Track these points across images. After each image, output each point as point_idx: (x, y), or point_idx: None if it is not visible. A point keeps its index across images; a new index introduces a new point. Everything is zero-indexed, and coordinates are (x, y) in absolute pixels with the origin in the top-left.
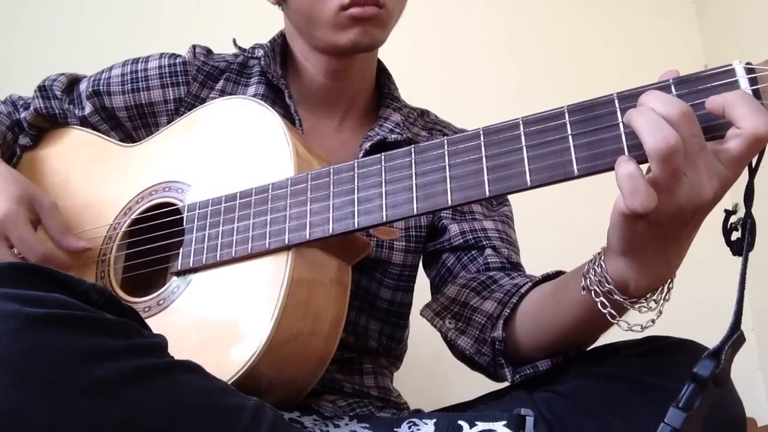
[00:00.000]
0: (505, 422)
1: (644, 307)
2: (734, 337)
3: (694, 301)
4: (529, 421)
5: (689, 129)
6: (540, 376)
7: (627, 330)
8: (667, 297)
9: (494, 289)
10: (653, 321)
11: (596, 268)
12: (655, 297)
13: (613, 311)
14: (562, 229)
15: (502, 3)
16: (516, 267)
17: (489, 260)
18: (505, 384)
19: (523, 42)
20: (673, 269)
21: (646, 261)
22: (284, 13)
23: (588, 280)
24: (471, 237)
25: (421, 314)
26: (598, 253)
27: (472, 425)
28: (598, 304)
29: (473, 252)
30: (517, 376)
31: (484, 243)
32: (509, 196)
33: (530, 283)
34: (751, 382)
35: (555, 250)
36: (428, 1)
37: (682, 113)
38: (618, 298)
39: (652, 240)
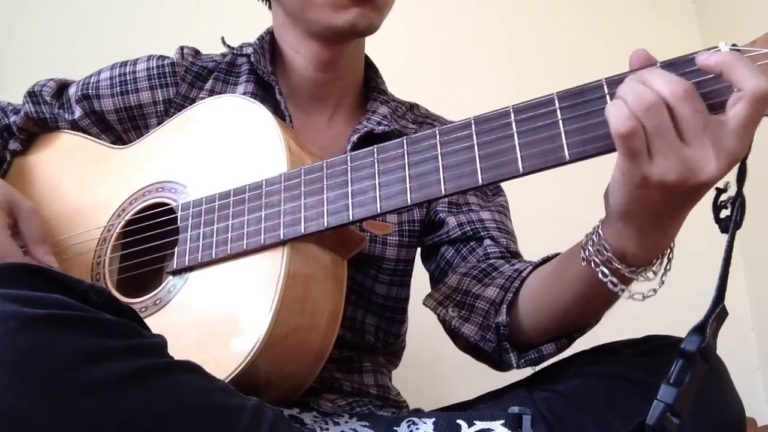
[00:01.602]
0: (502, 421)
1: (642, 276)
2: (717, 311)
3: (694, 301)
4: (526, 420)
5: (693, 106)
6: (540, 376)
7: (628, 298)
8: (668, 267)
9: (495, 276)
10: (655, 291)
11: (594, 237)
12: (654, 267)
13: (614, 279)
14: (560, 227)
15: (500, 2)
16: (515, 255)
17: (489, 250)
18: (505, 384)
19: (521, 41)
20: (671, 239)
21: (642, 229)
22: (273, 4)
23: (587, 251)
24: (469, 228)
25: (423, 303)
26: (597, 224)
27: (470, 424)
28: (599, 273)
29: (472, 243)
30: (522, 360)
31: (482, 234)
32: (504, 187)
33: (531, 267)
34: (751, 382)
35: (553, 249)
36: None
37: (685, 90)
38: (616, 266)
39: (651, 206)
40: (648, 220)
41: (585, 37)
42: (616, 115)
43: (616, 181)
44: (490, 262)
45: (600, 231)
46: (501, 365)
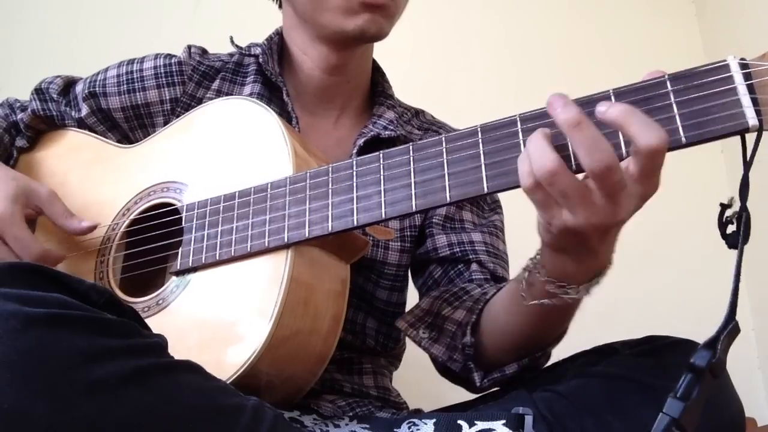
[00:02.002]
0: (504, 421)
1: (580, 292)
2: (729, 328)
3: (694, 302)
4: (528, 420)
5: (612, 179)
6: (540, 376)
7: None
8: (597, 281)
9: (465, 299)
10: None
11: (533, 261)
12: (592, 283)
13: (531, 293)
14: None
15: (501, 2)
16: (500, 281)
17: (473, 276)
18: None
19: (522, 42)
20: (605, 259)
21: (573, 258)
22: (284, 4)
23: (526, 273)
24: (458, 250)
25: (396, 325)
26: (537, 250)
27: (471, 425)
28: (523, 282)
29: (460, 266)
30: (486, 380)
31: (471, 257)
32: (502, 203)
33: (496, 290)
34: (751, 382)
35: None
36: (428, 0)
37: (605, 166)
38: (554, 290)
39: (574, 242)
40: (576, 250)
41: (585, 37)
42: (522, 170)
43: (538, 223)
44: (463, 285)
45: (538, 256)
46: (468, 384)
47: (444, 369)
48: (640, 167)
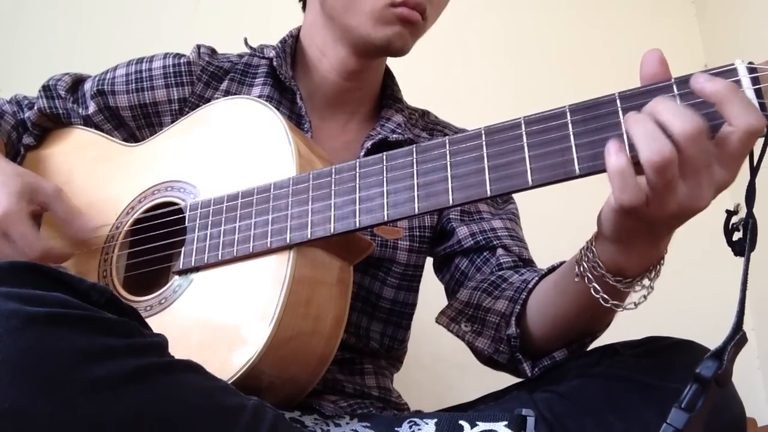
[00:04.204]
0: (506, 422)
1: (638, 285)
2: (737, 338)
3: (694, 302)
4: (530, 422)
5: (701, 146)
6: (540, 377)
7: (621, 311)
8: (659, 272)
9: (505, 287)
10: (645, 297)
11: (588, 254)
12: (649, 275)
13: (606, 296)
14: (562, 228)
15: (501, 3)
16: (528, 263)
17: (501, 260)
18: (505, 384)
19: (522, 42)
20: (663, 250)
21: (636, 248)
22: (310, 1)
23: (581, 267)
24: (481, 238)
25: (436, 321)
26: (590, 240)
27: (473, 425)
28: (591, 289)
29: (485, 253)
30: (537, 369)
31: (495, 243)
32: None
33: (537, 278)
34: (751, 382)
35: (555, 250)
36: None
37: (697, 130)
38: (611, 281)
39: (643, 233)
40: (640, 241)
41: (585, 37)
42: (653, 149)
43: (608, 212)
44: (500, 273)
45: (593, 248)
46: (518, 374)
47: (489, 360)
48: (732, 151)
